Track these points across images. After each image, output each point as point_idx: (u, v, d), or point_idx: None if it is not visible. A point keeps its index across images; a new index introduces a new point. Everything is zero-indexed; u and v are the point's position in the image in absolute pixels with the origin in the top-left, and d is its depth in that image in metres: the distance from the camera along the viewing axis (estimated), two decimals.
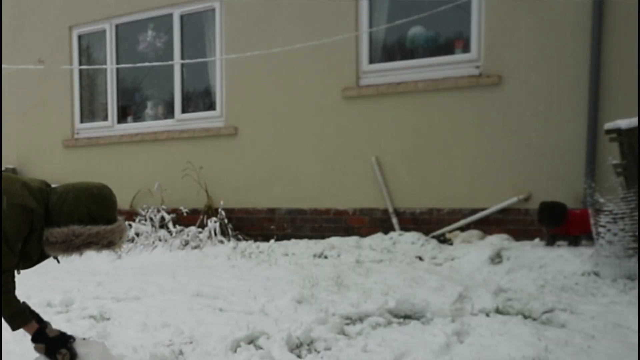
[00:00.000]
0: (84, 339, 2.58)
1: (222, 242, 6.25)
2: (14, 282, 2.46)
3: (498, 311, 3.57)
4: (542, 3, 5.24)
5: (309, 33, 6.09)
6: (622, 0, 4.98)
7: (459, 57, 5.69)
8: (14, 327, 2.36)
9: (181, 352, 3.06)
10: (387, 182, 5.93)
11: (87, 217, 2.31)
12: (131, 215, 6.90)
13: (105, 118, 7.72)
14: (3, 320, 2.40)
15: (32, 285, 3.74)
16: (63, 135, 7.95)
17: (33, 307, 2.61)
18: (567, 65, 5.19)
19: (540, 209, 4.84)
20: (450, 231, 5.62)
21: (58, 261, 2.51)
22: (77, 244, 2.29)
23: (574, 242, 4.77)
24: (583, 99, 5.11)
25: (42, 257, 2.44)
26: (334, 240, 5.77)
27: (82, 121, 7.94)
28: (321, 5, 6.17)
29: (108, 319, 3.69)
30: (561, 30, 5.20)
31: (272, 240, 6.09)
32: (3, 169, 7.94)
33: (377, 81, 6.00)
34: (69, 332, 2.52)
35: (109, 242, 2.34)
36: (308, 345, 3.05)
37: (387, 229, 5.87)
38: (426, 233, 5.66)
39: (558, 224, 4.76)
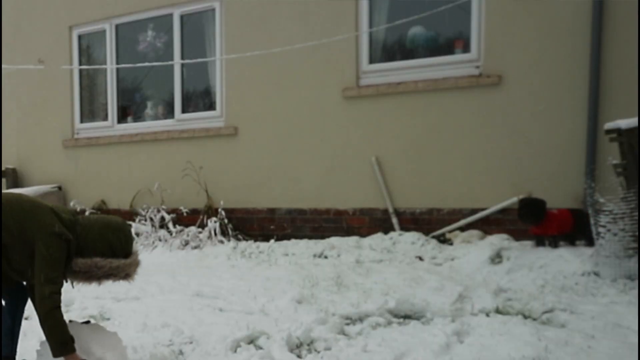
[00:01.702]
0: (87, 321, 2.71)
1: (222, 242, 6.25)
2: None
3: (498, 311, 3.57)
4: (542, 3, 5.23)
5: (309, 33, 6.09)
6: (622, 0, 4.98)
7: (459, 57, 5.68)
8: (59, 354, 2.44)
9: (181, 352, 3.07)
10: (387, 182, 5.92)
11: (108, 250, 2.52)
12: (131, 215, 6.90)
13: (105, 118, 7.72)
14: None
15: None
16: (63, 135, 7.95)
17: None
18: (567, 65, 5.18)
19: (520, 206, 4.87)
20: (450, 231, 5.62)
21: (73, 286, 2.66)
22: (98, 275, 2.51)
23: (553, 242, 4.80)
24: (583, 99, 5.11)
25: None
26: (334, 240, 5.77)
27: (82, 121, 7.94)
28: (321, 5, 6.16)
29: (108, 319, 3.70)
30: (561, 30, 5.19)
31: (272, 240, 6.09)
32: (3, 169, 7.94)
33: (377, 81, 6.00)
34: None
35: (125, 275, 2.57)
36: (308, 345, 3.06)
37: (387, 229, 5.87)
38: (426, 233, 5.66)
39: (538, 220, 4.77)
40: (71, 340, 2.45)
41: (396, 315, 3.55)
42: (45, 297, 2.41)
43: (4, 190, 2.64)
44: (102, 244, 2.52)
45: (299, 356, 2.92)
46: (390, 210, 5.88)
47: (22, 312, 2.76)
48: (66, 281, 2.59)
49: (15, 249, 2.47)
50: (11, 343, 2.70)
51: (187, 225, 6.63)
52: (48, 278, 2.42)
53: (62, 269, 2.48)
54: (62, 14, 7.86)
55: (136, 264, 2.61)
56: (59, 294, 2.46)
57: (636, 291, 3.79)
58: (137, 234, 6.57)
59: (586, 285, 4.03)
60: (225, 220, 6.48)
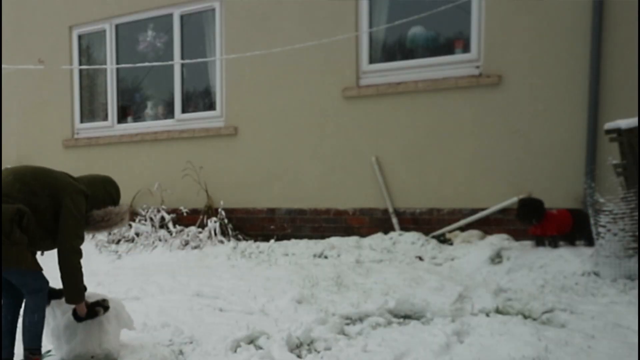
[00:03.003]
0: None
1: (222, 242, 6.25)
2: None
3: (498, 311, 3.57)
4: (542, 3, 5.24)
5: (309, 33, 6.09)
6: (622, 0, 4.98)
7: (459, 57, 5.69)
8: (77, 301, 2.77)
9: (181, 352, 3.07)
10: (387, 182, 5.92)
11: (111, 201, 2.94)
12: (131, 215, 6.90)
13: (105, 118, 7.72)
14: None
15: None
16: (63, 135, 7.95)
17: None
18: (567, 65, 5.18)
19: (519, 206, 4.87)
20: (450, 231, 5.62)
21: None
22: (115, 221, 2.88)
23: (553, 242, 4.82)
24: (583, 99, 5.11)
25: None
26: (334, 240, 5.77)
27: (82, 121, 7.94)
28: (321, 5, 6.16)
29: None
30: (561, 30, 5.19)
31: (272, 240, 6.09)
32: (3, 169, 7.93)
33: (377, 81, 6.00)
34: None
35: (125, 220, 2.95)
36: (308, 345, 3.06)
37: (387, 229, 5.87)
38: (426, 233, 5.66)
39: (537, 220, 4.78)
40: (85, 289, 2.78)
41: (396, 315, 3.55)
42: (76, 251, 2.71)
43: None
44: (107, 196, 2.92)
45: (299, 356, 2.92)
46: (390, 210, 5.88)
47: (19, 313, 2.76)
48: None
49: (47, 209, 2.67)
50: (9, 344, 2.70)
51: (187, 225, 6.63)
52: (78, 233, 2.73)
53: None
54: (62, 14, 7.86)
55: (130, 209, 3.11)
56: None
57: (636, 291, 3.79)
58: (137, 234, 6.58)
59: (586, 285, 4.04)
60: (225, 220, 6.48)
